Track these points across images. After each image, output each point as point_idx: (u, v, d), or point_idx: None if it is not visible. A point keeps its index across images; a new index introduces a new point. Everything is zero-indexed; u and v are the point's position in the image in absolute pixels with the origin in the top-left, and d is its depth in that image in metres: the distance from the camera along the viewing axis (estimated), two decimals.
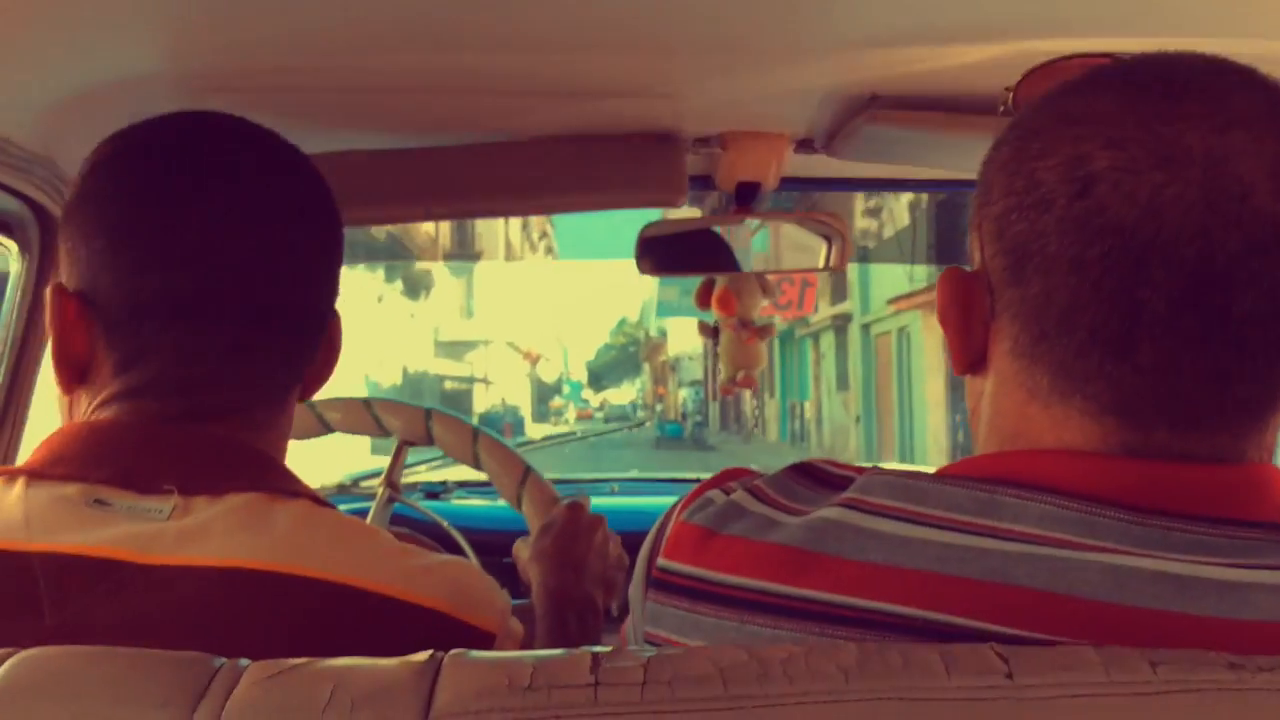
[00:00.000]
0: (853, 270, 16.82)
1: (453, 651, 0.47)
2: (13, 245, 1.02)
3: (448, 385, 31.43)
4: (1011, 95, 0.89)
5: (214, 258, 0.66)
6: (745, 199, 1.26)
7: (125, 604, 0.58)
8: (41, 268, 1.02)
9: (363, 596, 0.61)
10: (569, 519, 1.12)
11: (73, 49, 0.86)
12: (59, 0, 0.76)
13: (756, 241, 1.38)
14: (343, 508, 1.74)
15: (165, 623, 0.58)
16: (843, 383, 19.78)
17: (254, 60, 0.94)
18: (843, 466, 0.60)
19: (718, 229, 1.35)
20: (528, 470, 1.19)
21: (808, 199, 1.72)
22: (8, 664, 0.46)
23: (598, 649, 0.47)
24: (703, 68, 1.01)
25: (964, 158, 1.00)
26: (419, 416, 1.23)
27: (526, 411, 42.40)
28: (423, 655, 0.46)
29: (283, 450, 0.73)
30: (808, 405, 23.62)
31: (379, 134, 1.16)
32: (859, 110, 1.08)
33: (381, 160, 1.17)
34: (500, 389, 38.93)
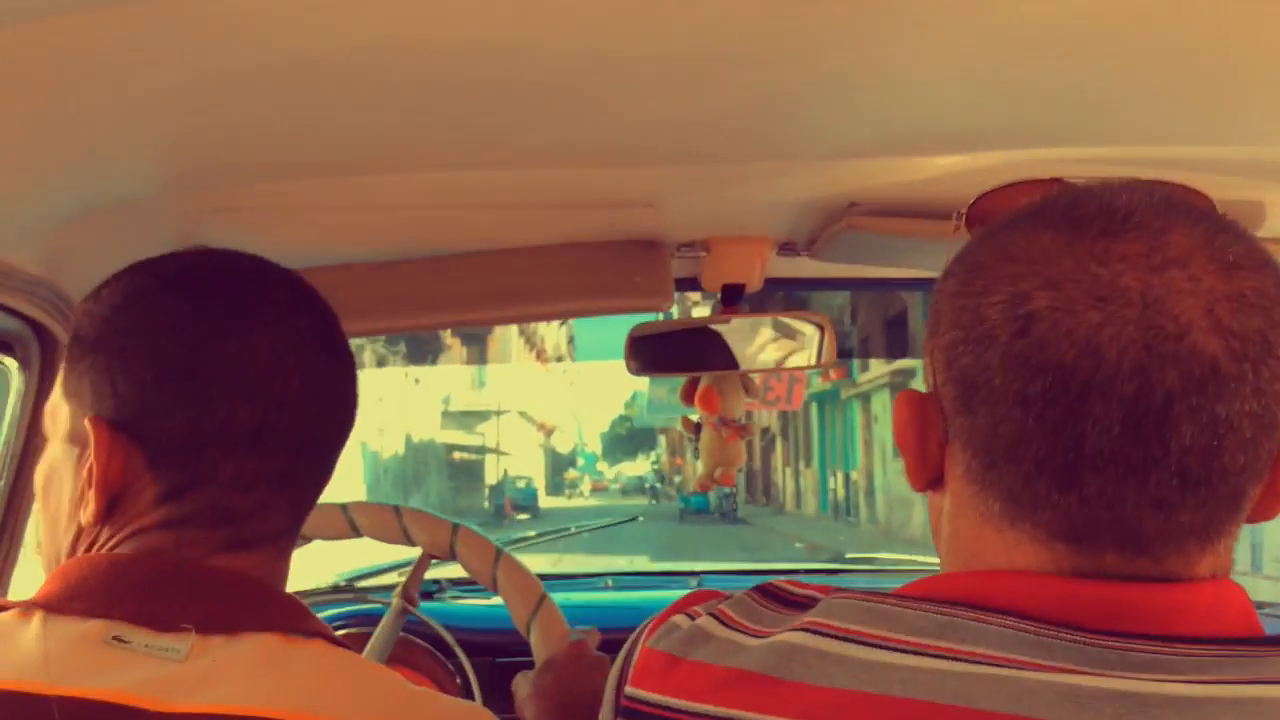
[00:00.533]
0: (917, 321, 16.30)
1: None
2: (13, 363, 1.04)
3: (456, 455, 31.14)
4: (964, 217, 0.91)
5: (275, 390, 0.68)
6: (731, 299, 1.29)
7: None
8: (41, 386, 1.04)
9: None
10: (571, 657, 1.09)
11: (73, 176, 0.88)
12: (59, 129, 0.79)
13: None
14: (341, 611, 1.70)
15: None
16: None
17: (251, 183, 0.98)
18: (805, 587, 0.61)
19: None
20: (542, 598, 1.17)
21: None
22: None
23: None
24: (684, 180, 1.04)
25: (941, 259, 1.02)
26: (445, 531, 1.22)
27: (540, 484, 42.07)
28: None
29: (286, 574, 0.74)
30: (854, 475, 21.54)
31: (373, 247, 1.19)
32: (838, 216, 1.11)
33: (375, 272, 1.20)
34: (513, 460, 38.67)
